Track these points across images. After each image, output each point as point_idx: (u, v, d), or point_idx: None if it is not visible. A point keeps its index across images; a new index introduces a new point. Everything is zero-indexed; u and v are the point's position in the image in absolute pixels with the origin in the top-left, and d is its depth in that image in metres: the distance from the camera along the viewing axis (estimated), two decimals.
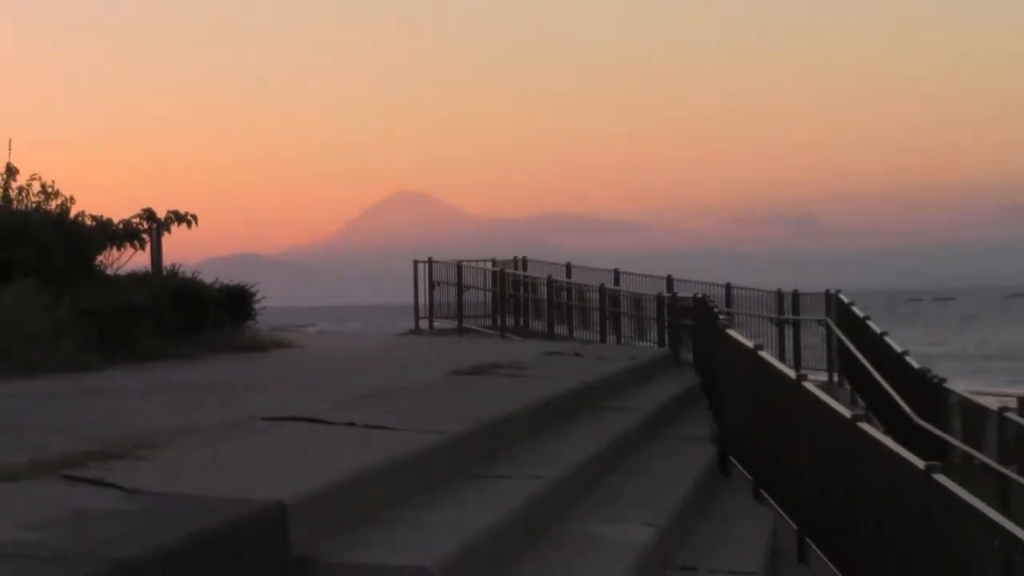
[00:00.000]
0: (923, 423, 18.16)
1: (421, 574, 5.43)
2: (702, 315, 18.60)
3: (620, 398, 13.98)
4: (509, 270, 29.63)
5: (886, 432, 11.35)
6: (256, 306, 18.42)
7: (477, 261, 30.29)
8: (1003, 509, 10.76)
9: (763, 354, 12.61)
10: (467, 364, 14.29)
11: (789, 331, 25.18)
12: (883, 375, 21.00)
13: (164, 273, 17.87)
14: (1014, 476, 15.25)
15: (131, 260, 17.80)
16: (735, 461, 13.24)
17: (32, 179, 17.07)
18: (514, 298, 28.91)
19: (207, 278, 17.83)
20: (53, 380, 11.91)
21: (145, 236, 18.14)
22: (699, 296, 20.61)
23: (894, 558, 8.81)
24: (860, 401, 21.80)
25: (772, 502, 11.74)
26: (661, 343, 22.60)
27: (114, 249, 17.57)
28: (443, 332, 28.55)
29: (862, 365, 21.99)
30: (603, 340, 24.96)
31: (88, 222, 17.26)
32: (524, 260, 31.27)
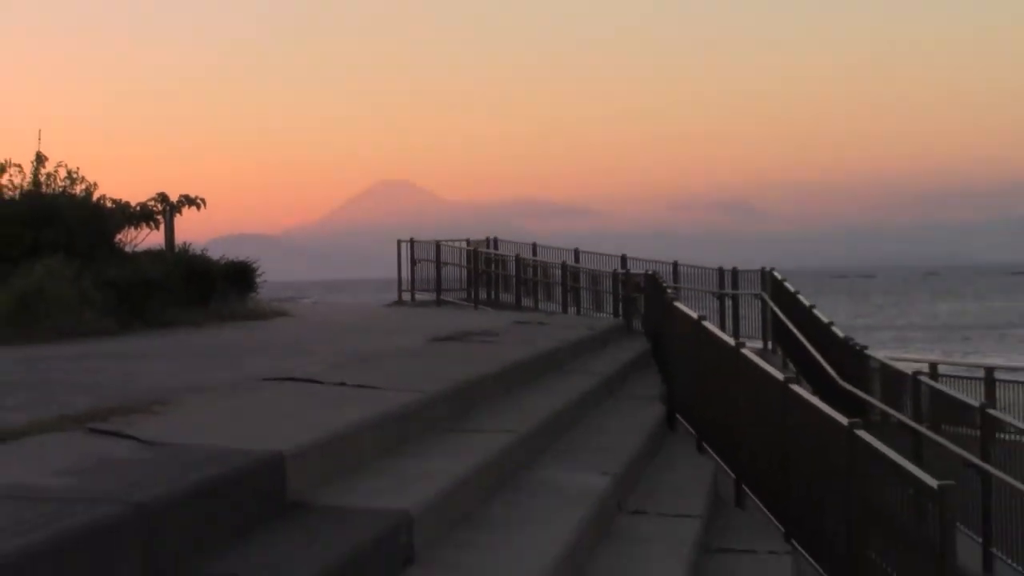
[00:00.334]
0: (847, 385, 18.22)
1: (403, 516, 5.46)
2: (652, 289, 18.65)
3: (580, 362, 14.02)
4: (482, 249, 29.63)
5: (814, 393, 11.40)
6: (257, 280, 18.36)
7: (453, 241, 30.26)
8: (916, 462, 10.83)
9: (706, 324, 12.64)
10: (445, 332, 14.29)
11: (729, 304, 25.21)
12: (812, 343, 21.05)
13: (176, 250, 17.83)
14: (926, 432, 15.34)
15: (147, 239, 17.86)
16: (681, 418, 13.28)
17: (59, 166, 17.02)
18: (486, 274, 28.89)
19: (214, 255, 17.81)
20: (78, 344, 11.88)
21: (159, 217, 18.13)
22: (650, 272, 20.66)
23: (820, 503, 8.87)
24: (791, 366, 21.82)
25: (713, 454, 11.78)
26: (616, 314, 22.62)
27: (132, 229, 17.58)
28: (423, 304, 28.53)
29: (793, 334, 22.05)
30: (565, 311, 25.01)
31: (109, 205, 17.28)
32: (495, 240, 31.29)
